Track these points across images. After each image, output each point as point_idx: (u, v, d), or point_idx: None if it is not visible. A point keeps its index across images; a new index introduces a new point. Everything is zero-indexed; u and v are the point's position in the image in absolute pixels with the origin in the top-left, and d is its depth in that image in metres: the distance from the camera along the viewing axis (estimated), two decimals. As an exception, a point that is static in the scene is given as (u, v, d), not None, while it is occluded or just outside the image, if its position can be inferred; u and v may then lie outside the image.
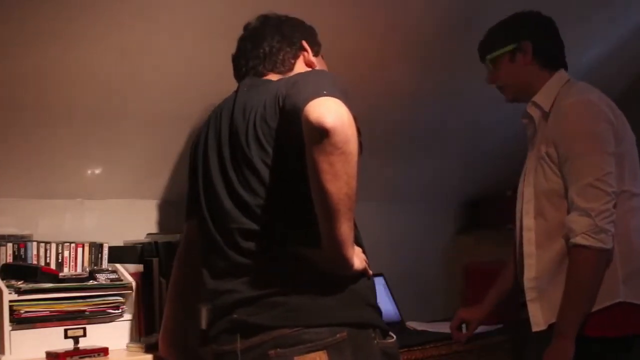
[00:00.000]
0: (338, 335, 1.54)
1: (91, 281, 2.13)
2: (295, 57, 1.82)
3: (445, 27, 2.51)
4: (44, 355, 1.97)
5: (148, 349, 2.06)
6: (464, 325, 2.48)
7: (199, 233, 1.78)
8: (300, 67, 1.82)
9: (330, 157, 1.43)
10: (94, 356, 1.98)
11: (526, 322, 2.06)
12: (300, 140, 1.48)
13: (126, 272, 2.23)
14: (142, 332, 2.19)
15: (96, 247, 2.26)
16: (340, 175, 1.44)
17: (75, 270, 2.21)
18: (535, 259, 2.05)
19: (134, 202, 2.48)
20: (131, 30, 2.00)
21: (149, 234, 2.44)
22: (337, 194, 1.45)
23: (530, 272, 2.06)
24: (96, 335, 2.07)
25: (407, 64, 2.59)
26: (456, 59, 2.61)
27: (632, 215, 2.02)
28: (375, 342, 1.60)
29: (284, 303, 1.56)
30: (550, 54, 2.16)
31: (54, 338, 2.00)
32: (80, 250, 2.23)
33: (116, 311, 2.13)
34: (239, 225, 1.62)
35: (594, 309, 1.94)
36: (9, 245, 2.12)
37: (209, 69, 2.17)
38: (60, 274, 2.11)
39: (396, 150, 2.94)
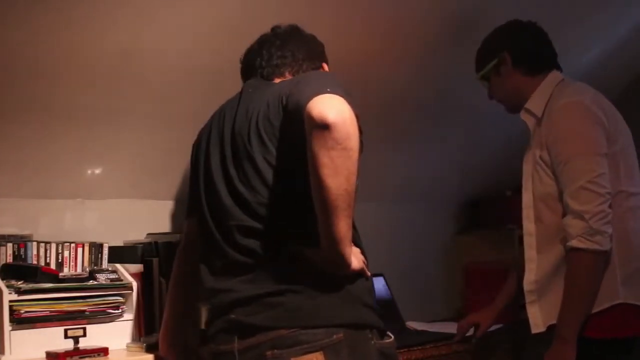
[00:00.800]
0: (334, 336, 1.54)
1: (91, 281, 2.13)
2: None
3: (446, 27, 2.51)
4: (44, 355, 1.97)
5: (148, 349, 2.06)
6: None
7: (199, 230, 1.78)
8: None
9: (331, 151, 1.43)
10: (94, 356, 1.98)
11: (526, 322, 2.07)
12: (303, 138, 1.48)
13: (126, 272, 2.23)
14: (142, 332, 2.19)
15: (96, 247, 2.26)
16: (340, 170, 1.45)
17: (75, 270, 2.21)
18: (536, 263, 2.06)
19: (134, 202, 2.48)
20: (132, 30, 2.00)
21: (149, 234, 2.44)
22: (336, 190, 1.45)
23: (530, 276, 2.07)
24: (96, 335, 2.07)
25: (407, 65, 2.59)
26: (456, 60, 2.61)
27: (630, 215, 2.01)
28: (373, 342, 1.60)
29: (281, 303, 1.56)
30: (532, 59, 2.16)
31: (54, 338, 2.00)
32: (80, 250, 2.23)
33: (116, 311, 2.13)
34: (238, 222, 1.63)
35: (594, 311, 1.94)
36: (9, 245, 2.12)
37: (210, 69, 2.17)
38: (60, 274, 2.11)
39: (396, 150, 2.94)
